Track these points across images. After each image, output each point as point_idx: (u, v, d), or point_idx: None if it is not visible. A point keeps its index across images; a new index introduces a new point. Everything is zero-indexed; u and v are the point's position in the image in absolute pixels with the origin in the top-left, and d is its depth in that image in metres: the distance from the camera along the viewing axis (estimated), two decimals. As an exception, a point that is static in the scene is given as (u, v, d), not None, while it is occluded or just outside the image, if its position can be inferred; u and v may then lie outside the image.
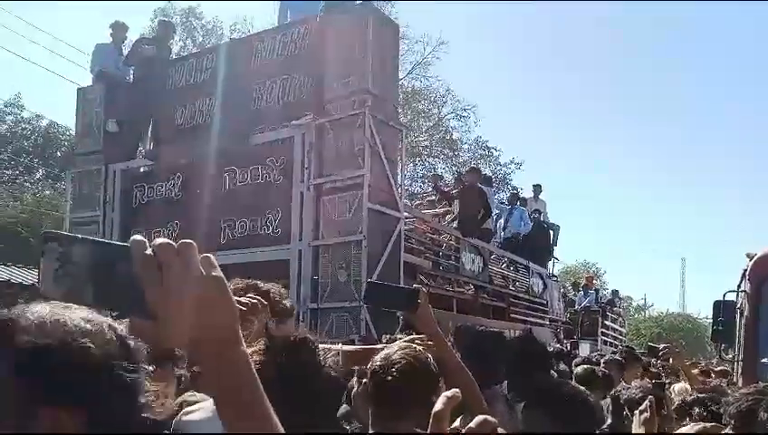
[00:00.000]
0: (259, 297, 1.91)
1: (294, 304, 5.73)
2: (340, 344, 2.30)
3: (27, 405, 0.74)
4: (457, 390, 0.79)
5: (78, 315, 0.80)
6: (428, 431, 0.76)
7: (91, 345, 0.77)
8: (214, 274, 0.71)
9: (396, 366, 1.71)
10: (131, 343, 0.83)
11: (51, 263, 0.67)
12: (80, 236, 0.70)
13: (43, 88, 40.22)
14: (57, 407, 0.75)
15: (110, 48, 8.37)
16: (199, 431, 1.45)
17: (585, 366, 4.11)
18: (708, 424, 1.90)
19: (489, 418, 0.74)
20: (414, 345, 1.84)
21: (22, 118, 24.25)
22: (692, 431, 1.82)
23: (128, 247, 0.69)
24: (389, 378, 1.70)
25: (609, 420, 2.87)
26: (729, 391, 2.44)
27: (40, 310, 0.78)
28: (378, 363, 1.75)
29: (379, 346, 2.04)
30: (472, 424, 0.73)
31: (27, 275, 13.74)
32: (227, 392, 0.73)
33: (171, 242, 0.70)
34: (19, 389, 0.74)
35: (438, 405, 0.76)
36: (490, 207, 9.33)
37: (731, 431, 1.75)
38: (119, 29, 8.50)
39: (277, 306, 1.91)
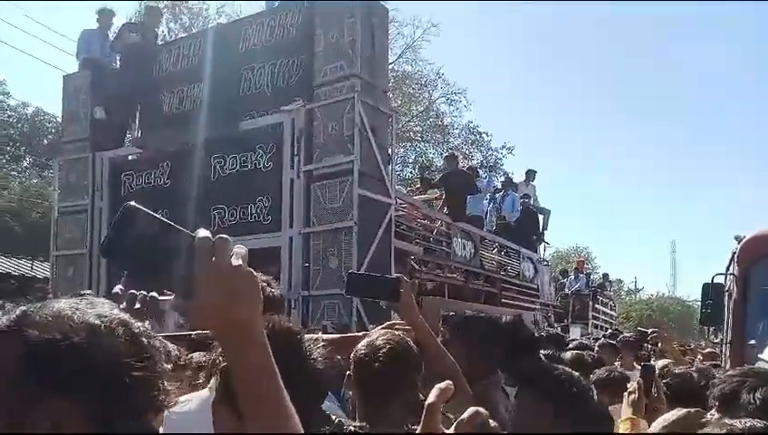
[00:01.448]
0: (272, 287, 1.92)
1: (285, 293, 5.74)
2: (319, 333, 2.29)
3: (32, 396, 0.77)
4: (450, 382, 0.78)
5: (95, 312, 0.82)
6: (421, 423, 0.75)
7: (91, 342, 0.79)
8: (251, 270, 0.80)
9: (381, 351, 1.73)
10: (146, 340, 0.86)
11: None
12: (156, 216, 0.79)
13: (30, 75, 39.67)
14: (58, 399, 0.77)
15: (97, 34, 8.25)
16: (186, 423, 1.43)
17: (575, 351, 4.14)
18: (693, 409, 1.92)
19: (480, 409, 0.74)
20: (394, 331, 1.86)
21: (8, 105, 23.93)
22: (674, 417, 1.84)
23: (189, 235, 0.78)
24: (376, 364, 1.71)
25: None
26: (715, 374, 2.47)
27: (60, 305, 0.82)
28: (362, 351, 1.76)
29: (357, 334, 2.05)
30: (464, 416, 0.73)
31: (16, 266, 13.65)
32: (245, 381, 0.80)
33: (228, 238, 0.79)
34: (25, 380, 0.76)
35: (431, 398, 0.76)
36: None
37: (715, 413, 1.76)
38: (105, 15, 8.38)
39: (264, 293, 1.90)
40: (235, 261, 0.78)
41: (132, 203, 0.80)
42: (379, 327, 2.00)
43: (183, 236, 0.79)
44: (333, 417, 1.92)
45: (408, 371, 1.73)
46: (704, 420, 1.82)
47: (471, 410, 0.73)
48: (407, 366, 1.74)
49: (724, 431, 1.42)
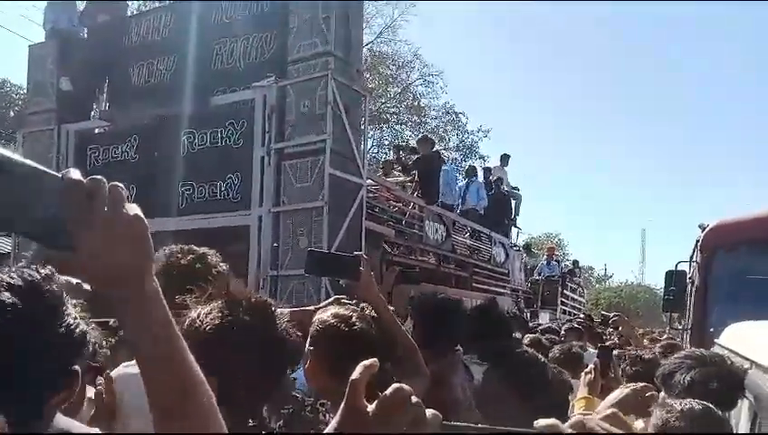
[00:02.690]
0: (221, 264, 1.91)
1: (253, 272, 5.68)
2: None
3: None
4: (375, 359, 0.77)
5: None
6: (345, 399, 0.74)
7: None
8: (137, 213, 0.74)
9: (352, 319, 1.74)
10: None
11: None
12: (10, 157, 0.68)
13: (-4, 45, 38.35)
14: None
15: (65, 3, 7.98)
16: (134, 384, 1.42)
17: (531, 335, 4.28)
18: (640, 384, 1.98)
19: (403, 386, 0.72)
20: (349, 304, 1.87)
21: (-28, 76, 23.15)
22: (622, 394, 1.90)
23: (56, 177, 0.69)
24: (353, 328, 1.72)
25: None
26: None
27: None
28: (331, 320, 1.75)
29: (310, 308, 2.04)
30: (387, 391, 0.72)
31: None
32: (142, 338, 0.73)
33: (102, 178, 0.72)
34: None
35: (355, 374, 0.74)
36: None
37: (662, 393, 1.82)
38: (74, -17, 8.10)
39: (212, 271, 1.89)
40: (116, 205, 0.72)
41: None
42: (325, 302, 2.00)
43: (50, 178, 0.69)
44: (296, 395, 1.91)
45: (377, 340, 1.74)
46: (648, 394, 1.86)
47: (394, 386, 0.72)
48: (375, 335, 1.76)
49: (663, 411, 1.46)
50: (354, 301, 1.96)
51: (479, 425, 0.78)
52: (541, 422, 0.71)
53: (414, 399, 0.72)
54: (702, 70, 78.26)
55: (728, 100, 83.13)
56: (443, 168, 9.85)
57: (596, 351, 4.47)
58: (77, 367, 1.05)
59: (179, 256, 1.86)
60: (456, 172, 12.85)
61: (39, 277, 0.99)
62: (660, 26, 79.02)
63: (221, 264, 1.90)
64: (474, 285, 9.19)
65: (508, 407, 1.69)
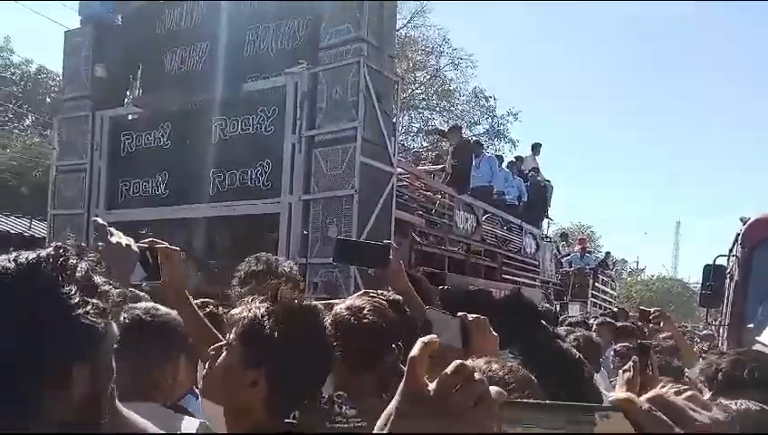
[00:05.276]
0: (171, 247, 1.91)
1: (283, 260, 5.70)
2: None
3: None
4: (435, 336, 0.72)
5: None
6: (404, 378, 0.70)
7: None
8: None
9: (365, 310, 1.69)
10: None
11: None
12: None
13: (34, 31, 39.20)
14: None
15: (100, -10, 8.06)
16: None
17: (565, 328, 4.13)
18: (682, 386, 1.88)
19: (466, 362, 0.68)
20: (372, 294, 1.83)
21: (11, 62, 23.70)
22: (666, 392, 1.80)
23: None
24: (363, 321, 1.68)
25: None
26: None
27: None
28: (344, 313, 1.72)
29: (334, 301, 2.02)
30: (447, 369, 0.67)
31: (14, 224, 13.63)
32: None
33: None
34: None
35: (414, 350, 0.70)
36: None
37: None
38: (109, -30, 8.17)
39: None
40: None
41: None
42: (354, 295, 1.96)
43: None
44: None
45: (390, 332, 1.69)
46: (689, 394, 1.78)
47: (456, 362, 0.67)
48: (389, 327, 1.70)
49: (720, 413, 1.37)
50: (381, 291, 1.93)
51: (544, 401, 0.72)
52: (614, 396, 0.65)
53: (477, 375, 0.67)
54: (737, 62, 75.90)
55: (730, 82, 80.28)
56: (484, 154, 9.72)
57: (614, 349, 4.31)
58: (79, 363, 0.87)
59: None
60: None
61: (32, 259, 0.83)
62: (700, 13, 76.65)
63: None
64: (503, 276, 9.08)
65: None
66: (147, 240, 1.78)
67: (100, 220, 1.38)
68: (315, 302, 1.53)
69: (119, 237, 1.35)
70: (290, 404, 1.32)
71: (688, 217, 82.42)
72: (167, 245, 1.86)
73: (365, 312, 1.71)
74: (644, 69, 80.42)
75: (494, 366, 1.13)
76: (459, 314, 1.54)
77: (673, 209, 78.19)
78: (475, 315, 1.55)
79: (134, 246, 1.36)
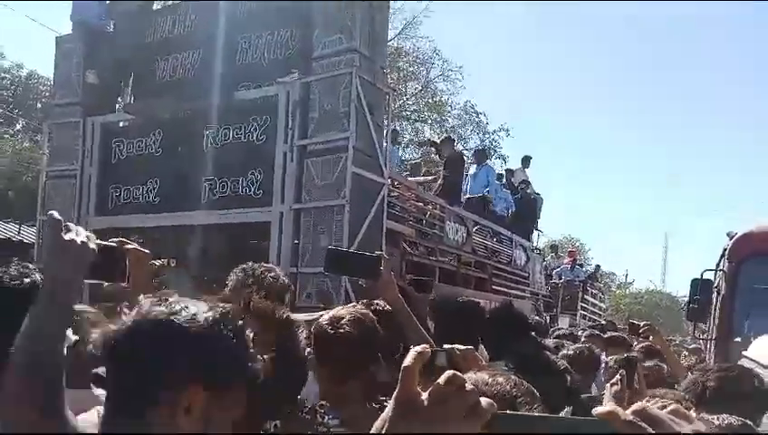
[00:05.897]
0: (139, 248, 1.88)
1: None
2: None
3: None
4: (427, 346, 0.73)
5: None
6: (398, 387, 0.71)
7: None
8: None
9: (343, 320, 1.70)
10: None
11: None
12: None
13: (25, 36, 39.07)
14: None
15: (92, -4, 8.05)
16: None
17: (555, 340, 4.13)
18: (660, 400, 1.90)
19: (457, 373, 0.69)
20: (358, 306, 1.84)
21: (1, 67, 23.58)
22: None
23: None
24: (340, 331, 1.69)
25: None
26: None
27: None
28: (324, 323, 1.72)
29: (323, 313, 2.03)
30: (440, 379, 0.69)
31: (4, 229, 13.51)
32: None
33: None
34: None
35: (407, 360, 0.71)
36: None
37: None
38: (102, -23, 8.17)
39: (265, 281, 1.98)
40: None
41: None
42: (340, 308, 1.97)
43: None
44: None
45: (370, 343, 1.70)
46: (674, 408, 1.79)
47: (449, 372, 0.69)
48: (370, 337, 1.71)
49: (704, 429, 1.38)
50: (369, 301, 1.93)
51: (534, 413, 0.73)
52: (600, 409, 0.66)
53: (468, 386, 0.68)
54: (735, 70, 76.85)
55: (726, 85, 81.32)
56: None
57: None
58: None
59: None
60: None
61: None
62: (692, 22, 77.60)
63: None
64: (493, 287, 9.09)
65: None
66: (115, 239, 1.76)
67: (56, 215, 1.34)
68: (288, 313, 1.53)
69: (75, 234, 1.31)
70: (265, 415, 1.31)
71: (688, 217, 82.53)
72: (137, 246, 1.85)
73: (343, 322, 1.72)
74: (644, 69, 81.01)
75: (500, 379, 1.14)
76: (446, 346, 1.54)
77: (673, 209, 78.56)
78: (463, 347, 1.56)
79: (92, 244, 1.32)
